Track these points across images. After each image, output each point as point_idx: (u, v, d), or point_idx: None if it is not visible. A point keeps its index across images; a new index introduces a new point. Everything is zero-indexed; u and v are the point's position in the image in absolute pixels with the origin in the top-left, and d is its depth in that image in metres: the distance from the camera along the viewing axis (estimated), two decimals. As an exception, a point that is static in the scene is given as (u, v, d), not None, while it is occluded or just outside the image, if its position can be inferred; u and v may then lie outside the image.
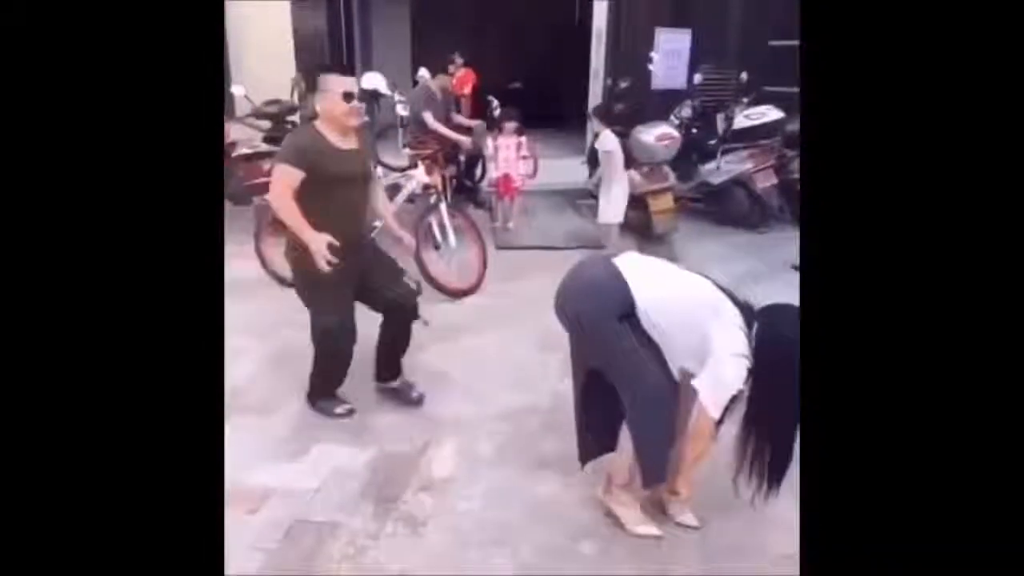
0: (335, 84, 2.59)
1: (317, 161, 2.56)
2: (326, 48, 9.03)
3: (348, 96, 2.57)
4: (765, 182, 5.72)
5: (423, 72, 5.98)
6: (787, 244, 4.98)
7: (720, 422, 2.01)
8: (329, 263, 2.49)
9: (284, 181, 2.55)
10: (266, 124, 5.66)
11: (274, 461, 2.57)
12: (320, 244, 2.47)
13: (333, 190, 2.58)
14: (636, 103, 6.53)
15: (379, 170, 5.30)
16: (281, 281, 4.41)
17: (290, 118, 5.78)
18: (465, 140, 5.72)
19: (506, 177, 5.73)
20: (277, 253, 4.41)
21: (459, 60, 6.63)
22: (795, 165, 5.74)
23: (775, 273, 4.45)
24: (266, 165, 5.35)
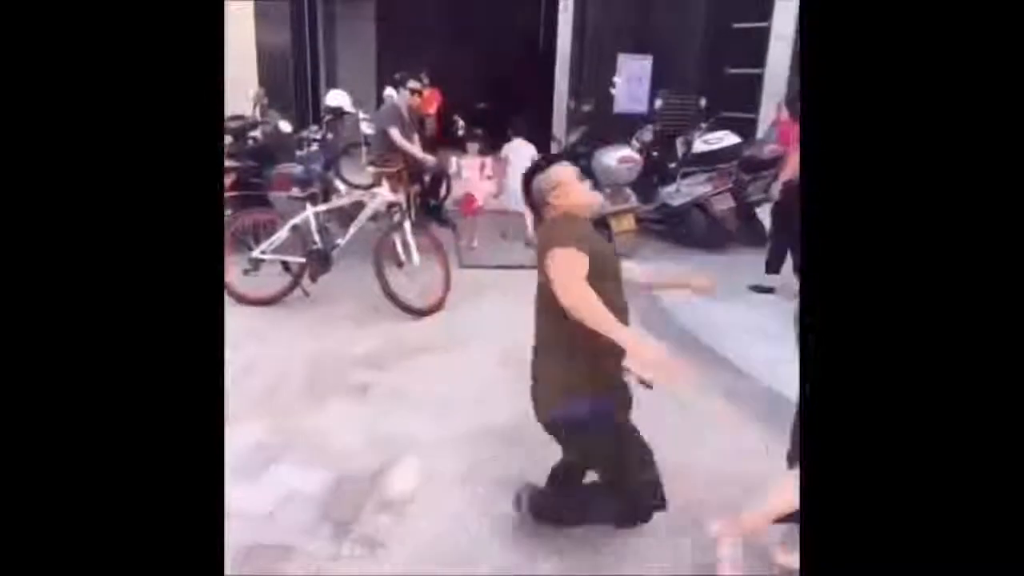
0: (566, 172, 2.05)
1: (595, 248, 1.90)
2: (290, 64, 8.99)
3: (582, 175, 2.08)
4: (722, 205, 5.87)
5: (390, 91, 5.99)
6: (744, 265, 5.09)
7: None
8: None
9: (576, 270, 1.79)
10: (227, 140, 5.59)
11: (229, 482, 2.49)
12: (660, 352, 1.73)
13: (603, 284, 1.86)
14: (589, 130, 6.66)
15: (342, 187, 5.30)
16: (239, 299, 4.33)
17: (252, 134, 5.72)
18: (430, 158, 5.74)
19: (469, 196, 5.77)
20: (235, 270, 4.36)
21: (425, 80, 6.66)
22: (751, 188, 5.91)
23: (735, 293, 4.54)
24: (226, 181, 5.28)
